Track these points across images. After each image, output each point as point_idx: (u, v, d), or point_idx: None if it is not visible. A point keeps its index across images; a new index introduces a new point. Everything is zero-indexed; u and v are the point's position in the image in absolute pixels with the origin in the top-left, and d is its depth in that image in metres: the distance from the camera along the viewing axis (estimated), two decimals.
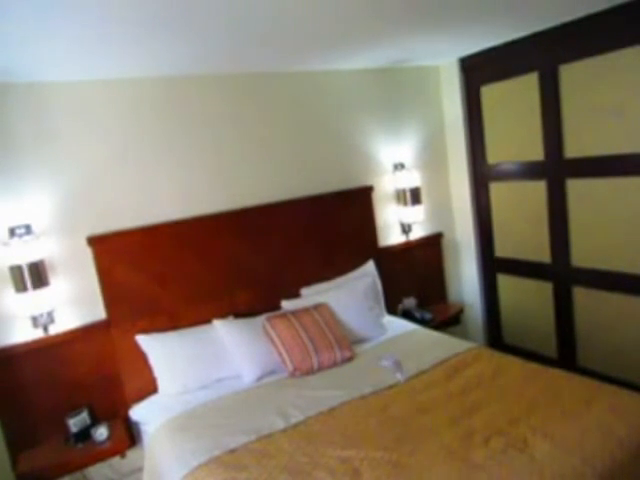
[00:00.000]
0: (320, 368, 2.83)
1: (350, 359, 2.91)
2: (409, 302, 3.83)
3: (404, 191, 3.76)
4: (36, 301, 2.50)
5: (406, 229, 3.90)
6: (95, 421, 2.66)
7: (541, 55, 3.29)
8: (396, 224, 3.89)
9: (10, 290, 2.51)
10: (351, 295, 3.30)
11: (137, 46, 2.27)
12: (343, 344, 2.92)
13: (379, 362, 2.79)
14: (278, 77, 3.30)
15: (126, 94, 2.84)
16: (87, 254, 2.75)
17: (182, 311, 2.97)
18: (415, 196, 3.76)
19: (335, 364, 2.86)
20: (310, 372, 2.80)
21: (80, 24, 1.87)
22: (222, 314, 3.03)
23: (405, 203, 3.77)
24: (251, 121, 3.22)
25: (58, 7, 1.67)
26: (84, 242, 2.73)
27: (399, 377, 2.63)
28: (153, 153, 2.93)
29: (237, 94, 3.17)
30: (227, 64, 2.91)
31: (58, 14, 1.73)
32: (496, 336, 4.15)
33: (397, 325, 3.37)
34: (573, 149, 3.26)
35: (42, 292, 2.51)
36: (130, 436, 2.73)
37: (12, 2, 1.58)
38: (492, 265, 4.06)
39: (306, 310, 3.04)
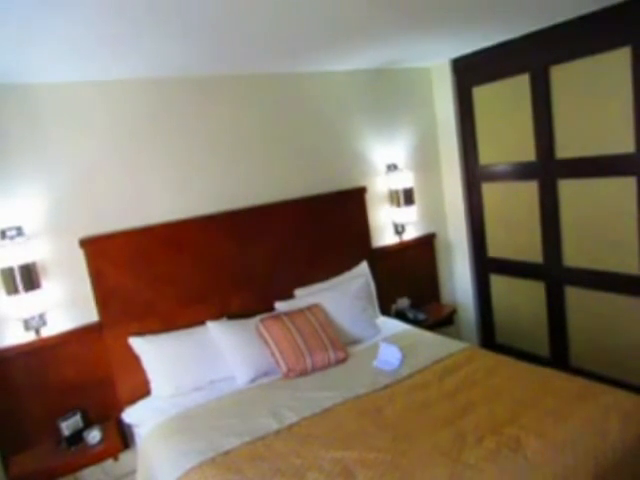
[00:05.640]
0: (314, 369, 2.82)
1: (344, 360, 2.91)
2: (402, 302, 3.84)
3: (397, 192, 3.77)
4: (27, 304, 2.48)
5: (399, 230, 3.91)
6: (88, 424, 2.64)
7: (532, 56, 3.31)
8: (389, 225, 3.89)
9: (1, 292, 2.49)
10: (345, 296, 3.30)
11: (130, 48, 2.27)
12: (337, 345, 2.92)
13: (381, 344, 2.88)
14: (271, 78, 3.30)
15: (119, 95, 2.83)
16: (79, 256, 2.73)
17: (175, 313, 2.96)
18: (408, 197, 3.77)
19: (329, 365, 2.86)
20: (304, 373, 2.80)
21: (73, 25, 1.86)
22: (215, 316, 3.02)
23: (398, 204, 3.78)
24: (245, 122, 3.22)
25: (51, 8, 1.66)
26: (76, 244, 2.71)
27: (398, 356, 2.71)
28: (146, 154, 2.92)
29: (231, 95, 3.17)
30: (221, 65, 2.91)
31: (51, 15, 1.73)
32: (489, 336, 4.17)
33: (391, 325, 3.38)
34: (564, 150, 3.28)
35: (34, 294, 2.49)
36: (123, 439, 2.71)
37: (5, 3, 1.57)
38: (485, 265, 4.07)
39: (300, 311, 3.04)
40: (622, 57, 2.85)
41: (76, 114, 2.72)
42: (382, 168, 3.82)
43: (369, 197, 3.73)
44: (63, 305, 2.70)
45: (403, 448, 2.02)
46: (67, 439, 2.55)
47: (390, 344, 2.89)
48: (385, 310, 3.67)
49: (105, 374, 2.79)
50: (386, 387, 2.56)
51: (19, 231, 2.53)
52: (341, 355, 2.91)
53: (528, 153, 3.49)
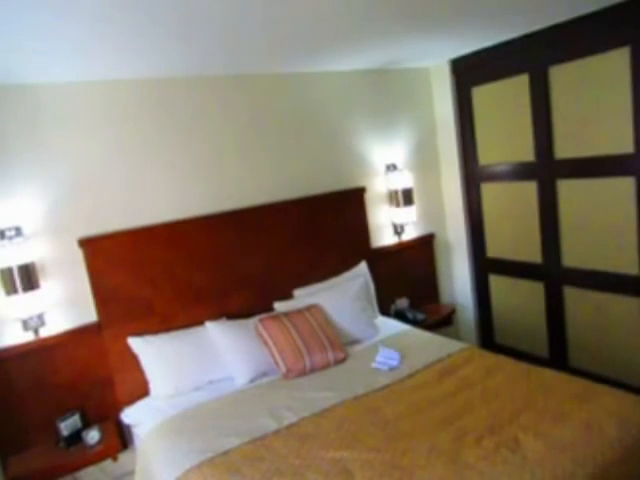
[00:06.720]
0: (313, 369, 2.82)
1: (343, 360, 2.91)
2: (402, 303, 3.84)
3: (396, 192, 3.77)
4: (26, 304, 2.48)
5: (398, 230, 3.91)
6: (86, 424, 2.64)
7: (531, 57, 3.31)
8: (388, 225, 3.89)
9: (0, 293, 2.49)
10: (344, 296, 3.30)
11: (130, 48, 2.27)
12: (336, 345, 2.92)
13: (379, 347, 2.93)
14: (270, 78, 3.30)
15: (118, 96, 2.83)
16: (78, 256, 2.73)
17: (174, 313, 2.96)
18: (407, 197, 3.77)
19: (328, 365, 2.86)
20: (303, 373, 2.80)
21: (72, 26, 1.86)
22: (214, 316, 3.02)
23: (397, 204, 3.78)
24: (245, 122, 3.22)
25: (51, 8, 1.66)
26: (75, 244, 2.71)
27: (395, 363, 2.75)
28: (145, 154, 2.92)
29: (231, 95, 3.16)
30: (219, 65, 2.91)
31: (51, 15, 1.72)
32: (488, 336, 4.17)
33: (390, 326, 3.38)
34: (563, 150, 3.28)
35: (32, 295, 2.49)
36: (122, 439, 2.71)
37: (4, 3, 1.57)
38: (484, 265, 4.07)
39: (299, 311, 3.04)
40: (621, 57, 2.85)
41: (76, 114, 2.72)
42: (381, 168, 3.82)
43: (368, 197, 3.73)
44: (62, 305, 2.70)
45: (402, 448, 2.02)
46: (66, 439, 2.55)
47: (389, 348, 2.90)
48: (384, 310, 3.67)
49: (104, 374, 2.79)
50: (385, 387, 2.57)
51: (18, 231, 2.53)
52: (340, 355, 2.91)
53: (527, 153, 3.49)
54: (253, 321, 2.98)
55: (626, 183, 2.98)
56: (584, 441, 1.92)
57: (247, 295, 3.19)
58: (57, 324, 2.68)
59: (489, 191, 3.89)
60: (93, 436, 2.56)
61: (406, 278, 3.93)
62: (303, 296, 3.29)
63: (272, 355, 2.83)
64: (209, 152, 3.11)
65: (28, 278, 2.48)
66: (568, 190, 3.31)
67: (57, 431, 2.56)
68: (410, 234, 3.99)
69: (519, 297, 3.84)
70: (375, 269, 3.67)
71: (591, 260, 3.27)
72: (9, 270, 2.44)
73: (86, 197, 2.76)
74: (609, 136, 3.01)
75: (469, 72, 3.79)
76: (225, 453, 2.15)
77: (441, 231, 4.20)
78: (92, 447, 2.54)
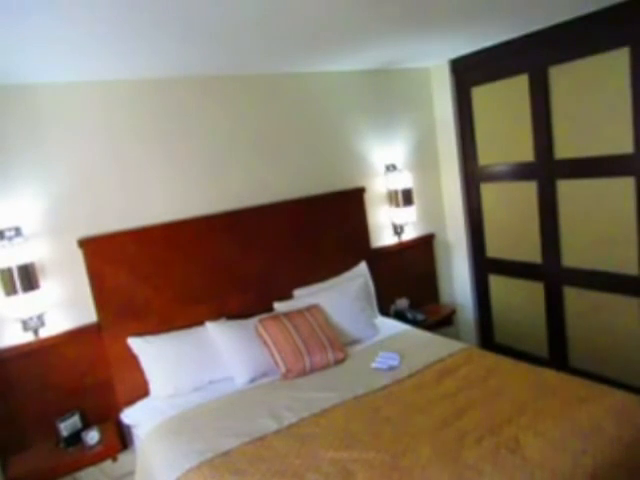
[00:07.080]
0: (313, 370, 2.82)
1: (343, 360, 2.91)
2: (401, 303, 3.84)
3: (396, 192, 3.77)
4: (26, 304, 2.48)
5: (398, 230, 3.91)
6: (86, 425, 2.64)
7: (531, 57, 3.31)
8: (388, 225, 3.89)
9: (0, 293, 2.49)
10: (343, 296, 3.30)
11: (130, 48, 2.26)
12: (335, 345, 2.92)
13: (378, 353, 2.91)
14: (270, 78, 3.30)
15: (118, 96, 2.82)
16: (78, 256, 2.73)
17: (174, 313, 2.96)
18: (407, 197, 3.77)
19: (328, 365, 2.86)
20: (303, 374, 2.80)
21: (72, 26, 1.86)
22: (214, 316, 3.02)
23: (397, 204, 3.78)
24: (245, 122, 3.22)
25: (51, 8, 1.66)
26: (75, 244, 2.71)
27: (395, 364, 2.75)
28: (145, 155, 2.92)
29: (231, 96, 3.16)
30: (219, 66, 2.91)
31: (51, 16, 1.72)
32: (488, 336, 4.17)
33: (389, 326, 3.38)
34: (563, 150, 3.28)
35: (32, 295, 2.49)
36: (121, 440, 2.71)
37: (4, 3, 1.57)
38: (484, 265, 4.07)
39: (298, 312, 3.04)
40: (621, 57, 2.85)
41: (75, 114, 2.72)
42: (381, 168, 3.82)
43: (368, 197, 3.73)
44: (62, 305, 2.70)
45: (402, 448, 2.02)
46: (66, 440, 2.55)
47: (388, 353, 2.89)
48: (384, 310, 3.67)
49: (104, 375, 2.79)
50: (385, 387, 2.56)
51: (18, 232, 2.53)
52: (340, 355, 2.90)
53: (527, 153, 3.49)
54: (253, 321, 2.98)
55: (626, 183, 2.98)
56: (584, 441, 1.92)
57: (247, 295, 3.18)
58: (57, 324, 2.68)
59: (489, 191, 3.89)
60: (93, 436, 2.56)
61: (406, 278, 3.93)
62: (303, 296, 3.29)
63: (272, 355, 2.83)
64: (208, 152, 3.11)
65: (28, 278, 2.48)
66: (568, 190, 3.31)
67: (57, 431, 2.56)
68: (410, 234, 3.99)
69: (519, 297, 3.84)
70: (375, 269, 3.67)
71: (591, 260, 3.27)
72: (9, 270, 2.43)
73: (86, 197, 2.76)
74: (609, 136, 3.01)
75: (469, 72, 3.79)
76: (225, 453, 2.15)
77: (441, 231, 4.20)
78: (92, 447, 2.54)
